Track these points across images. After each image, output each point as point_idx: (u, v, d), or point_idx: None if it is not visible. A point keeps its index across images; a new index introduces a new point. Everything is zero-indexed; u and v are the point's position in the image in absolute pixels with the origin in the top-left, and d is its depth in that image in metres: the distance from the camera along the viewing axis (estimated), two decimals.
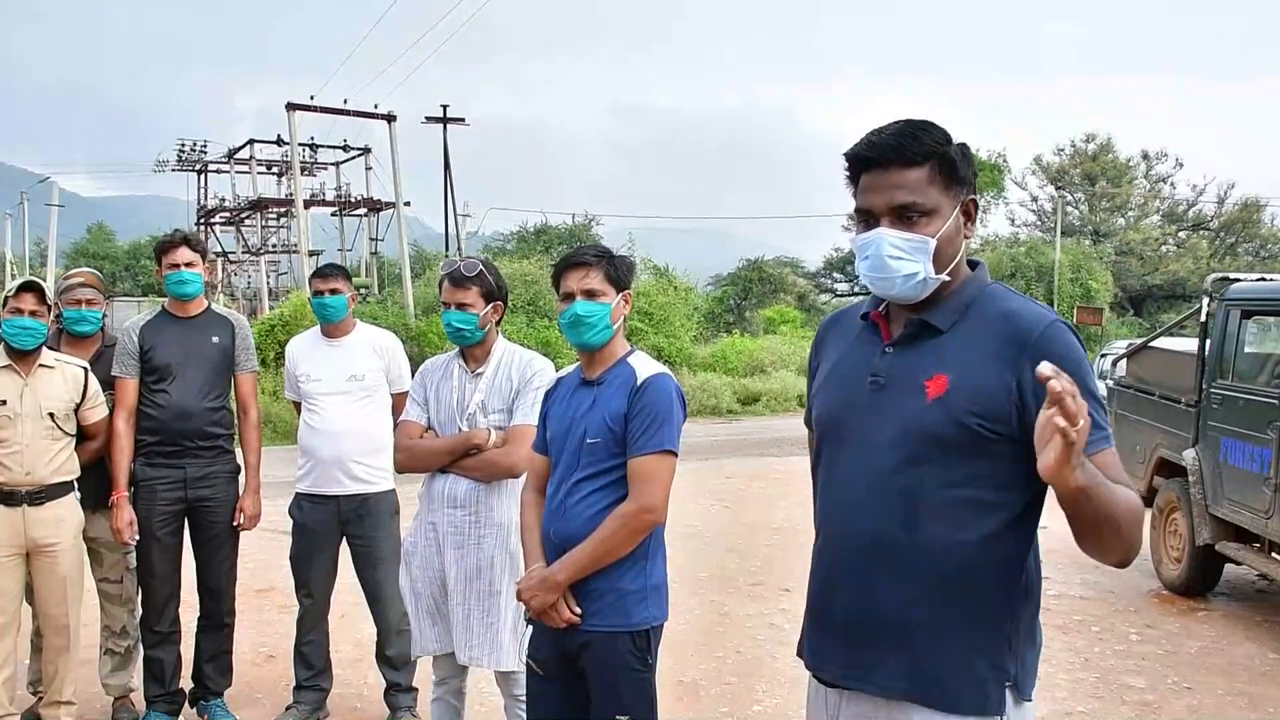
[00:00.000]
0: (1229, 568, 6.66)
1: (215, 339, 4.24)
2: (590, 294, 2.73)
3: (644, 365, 2.76)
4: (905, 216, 1.76)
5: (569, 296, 2.75)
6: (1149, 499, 7.39)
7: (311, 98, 28.94)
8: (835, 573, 1.89)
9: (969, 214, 1.82)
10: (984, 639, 1.75)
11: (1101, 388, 10.62)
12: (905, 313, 1.86)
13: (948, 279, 1.79)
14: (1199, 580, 6.67)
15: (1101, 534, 1.65)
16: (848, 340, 1.97)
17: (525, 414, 3.26)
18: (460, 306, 3.30)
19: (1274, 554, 5.97)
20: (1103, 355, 12.49)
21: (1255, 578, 6.98)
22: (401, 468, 3.52)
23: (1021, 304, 1.80)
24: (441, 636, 3.40)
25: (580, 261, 2.77)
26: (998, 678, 1.75)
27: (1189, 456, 6.59)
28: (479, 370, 3.37)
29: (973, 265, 1.89)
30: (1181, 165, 41.50)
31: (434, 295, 3.53)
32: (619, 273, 2.78)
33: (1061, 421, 1.44)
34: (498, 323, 3.43)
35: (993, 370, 1.72)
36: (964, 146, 1.82)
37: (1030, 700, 1.79)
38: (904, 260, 1.75)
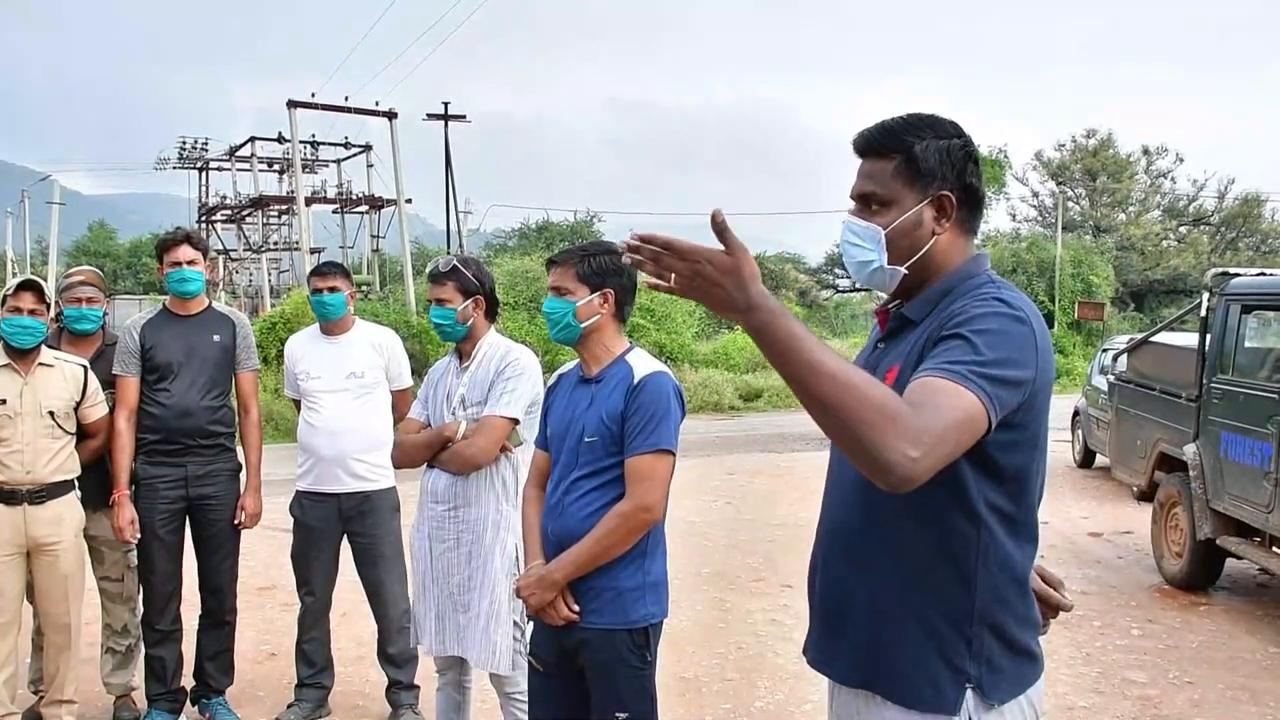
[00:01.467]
0: (1230, 562, 6.65)
1: (216, 337, 4.24)
2: (558, 291, 2.79)
3: (642, 363, 2.77)
4: (868, 205, 1.84)
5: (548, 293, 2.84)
6: (1150, 494, 7.40)
7: (313, 95, 28.96)
8: (815, 561, 1.95)
9: (942, 210, 1.81)
10: (940, 637, 1.74)
11: (1102, 383, 10.58)
12: (898, 308, 1.90)
13: (906, 272, 1.81)
14: (1200, 575, 6.67)
15: (804, 390, 1.49)
16: (870, 338, 2.04)
17: (494, 405, 3.30)
18: (439, 302, 3.39)
19: (1275, 548, 5.98)
20: (1103, 350, 12.47)
21: (1256, 572, 6.97)
22: (395, 463, 3.65)
23: (981, 290, 1.75)
24: (430, 631, 3.45)
25: (554, 259, 2.85)
26: (955, 678, 1.74)
27: (1190, 451, 6.59)
28: (466, 365, 3.43)
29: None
30: (1182, 160, 41.51)
31: None
32: (592, 270, 2.79)
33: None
34: (491, 318, 3.47)
35: (926, 351, 1.72)
36: (948, 144, 1.81)
37: (999, 704, 1.75)
38: (859, 248, 1.83)
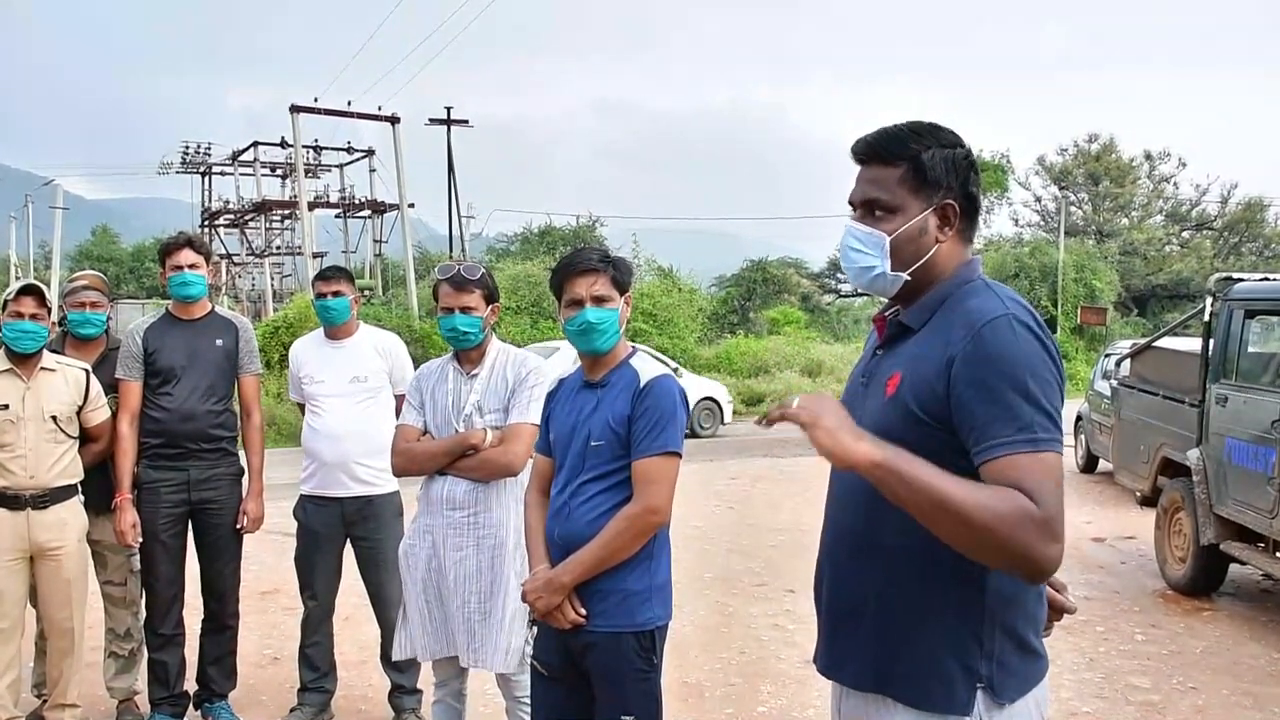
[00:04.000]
0: (1233, 567, 6.64)
1: (219, 342, 4.25)
2: (599, 300, 2.74)
3: (646, 367, 2.77)
4: (872, 211, 1.85)
5: (577, 303, 2.74)
6: (1153, 499, 7.39)
7: (315, 100, 29.01)
8: (821, 567, 1.96)
9: (946, 218, 1.83)
10: (951, 637, 1.75)
11: (1105, 387, 10.52)
12: (895, 315, 1.92)
13: (908, 278, 1.83)
14: (1204, 580, 6.66)
15: (937, 526, 1.62)
16: (867, 345, 2.05)
17: (521, 412, 3.28)
18: (465, 310, 3.30)
19: (1278, 554, 5.96)
20: (1106, 355, 12.47)
21: (1260, 577, 6.97)
22: (399, 471, 3.49)
23: (981, 300, 1.77)
24: (433, 642, 3.38)
25: (589, 268, 2.76)
26: (967, 677, 1.75)
27: (1193, 456, 6.58)
28: (474, 372, 3.37)
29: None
30: (1185, 165, 41.53)
31: None
32: (622, 276, 2.80)
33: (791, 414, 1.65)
34: (494, 325, 3.47)
35: (933, 365, 1.74)
36: (952, 153, 1.83)
37: (1009, 703, 1.76)
38: (862, 254, 1.85)
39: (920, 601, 1.77)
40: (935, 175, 1.81)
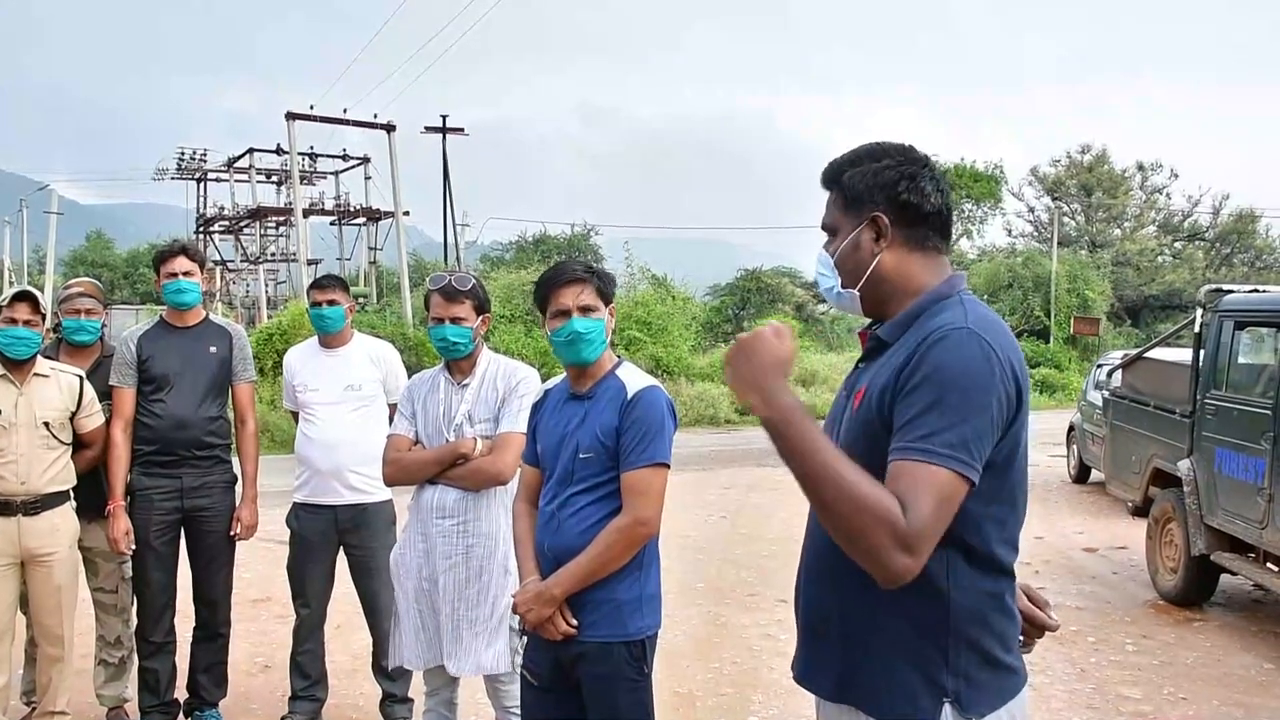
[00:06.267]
0: (1224, 578, 6.67)
1: (213, 349, 4.25)
2: (585, 310, 2.75)
3: (633, 378, 2.78)
4: (827, 235, 1.97)
5: (563, 314, 2.75)
6: (1145, 509, 7.41)
7: (311, 107, 29.04)
8: (799, 578, 2.00)
9: (878, 229, 1.87)
10: (911, 650, 1.77)
11: (1098, 398, 10.55)
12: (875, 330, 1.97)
13: (859, 293, 1.91)
14: (1195, 590, 6.68)
15: (809, 497, 1.65)
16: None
17: (511, 422, 3.28)
18: (455, 321, 3.31)
19: (1269, 564, 5.99)
20: (1099, 365, 12.51)
21: (1251, 588, 6.99)
22: (390, 480, 3.51)
23: (947, 315, 1.77)
24: (425, 650, 3.39)
25: (574, 278, 2.79)
26: (932, 691, 1.76)
27: (1184, 467, 6.61)
28: (465, 381, 3.38)
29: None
30: (1176, 176, 41.72)
31: None
32: (606, 287, 2.83)
33: None
34: (485, 335, 3.47)
35: (888, 377, 1.76)
36: (873, 168, 1.87)
37: (979, 718, 1.77)
38: (822, 275, 1.98)
39: (880, 615, 1.78)
40: (856, 193, 1.89)
